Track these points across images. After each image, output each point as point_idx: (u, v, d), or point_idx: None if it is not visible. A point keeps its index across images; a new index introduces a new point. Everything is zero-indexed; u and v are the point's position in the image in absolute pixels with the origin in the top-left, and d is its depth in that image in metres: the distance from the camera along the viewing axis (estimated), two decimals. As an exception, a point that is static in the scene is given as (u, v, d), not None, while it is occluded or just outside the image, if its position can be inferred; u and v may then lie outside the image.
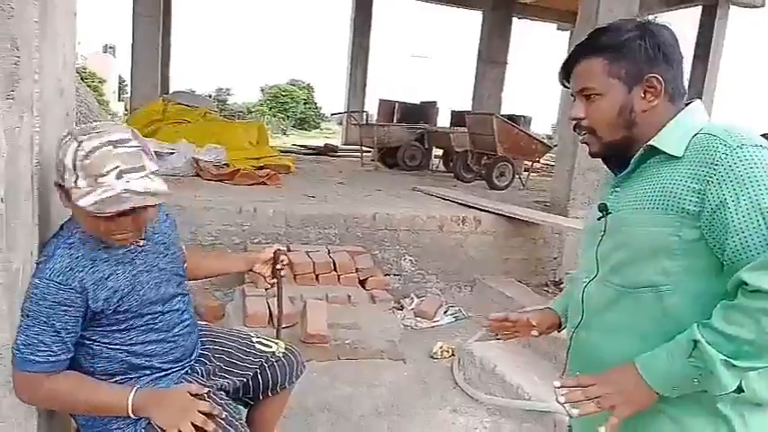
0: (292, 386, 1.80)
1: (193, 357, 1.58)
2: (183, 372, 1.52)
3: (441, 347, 3.50)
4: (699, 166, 0.99)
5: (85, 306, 1.30)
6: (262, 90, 34.02)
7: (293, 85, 34.03)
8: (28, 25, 1.21)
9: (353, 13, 14.12)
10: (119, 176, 1.21)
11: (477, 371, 3.14)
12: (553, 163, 11.19)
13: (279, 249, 1.83)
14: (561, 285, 4.97)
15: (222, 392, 1.55)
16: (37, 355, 1.26)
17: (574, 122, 1.16)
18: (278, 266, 1.82)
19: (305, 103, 33.47)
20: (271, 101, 32.41)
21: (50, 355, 1.28)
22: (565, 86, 1.18)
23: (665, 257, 1.01)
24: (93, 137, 1.23)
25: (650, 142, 1.07)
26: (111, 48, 34.65)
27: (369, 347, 3.37)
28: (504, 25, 11.32)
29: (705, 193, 0.97)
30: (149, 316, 1.43)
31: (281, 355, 1.74)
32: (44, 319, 1.26)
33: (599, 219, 1.15)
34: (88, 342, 1.37)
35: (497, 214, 4.84)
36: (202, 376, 1.55)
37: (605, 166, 1.21)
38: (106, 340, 1.38)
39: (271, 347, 1.74)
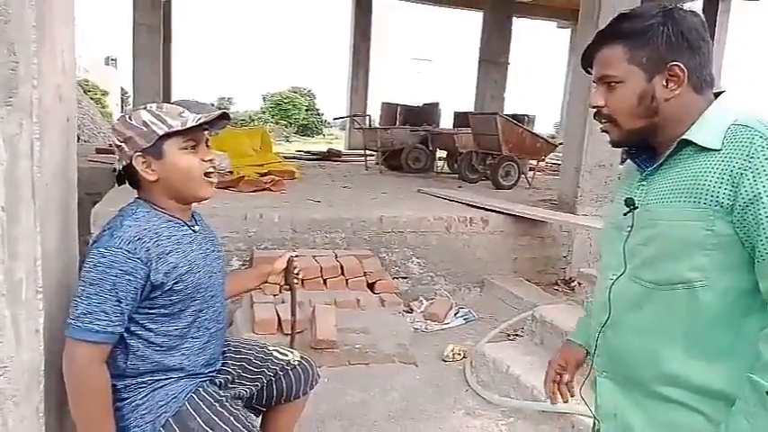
0: (306, 396, 1.78)
1: (218, 366, 1.57)
2: (206, 380, 1.51)
3: (452, 350, 3.45)
4: (734, 157, 0.95)
5: (146, 278, 1.33)
6: (264, 98, 34.08)
7: (295, 92, 34.08)
8: (25, 30, 1.18)
9: (353, 18, 14.14)
10: (190, 112, 1.43)
11: (491, 372, 3.09)
12: (558, 162, 11.15)
13: (291, 257, 1.81)
14: (572, 284, 4.92)
15: (238, 400, 1.54)
16: (96, 324, 1.28)
17: (594, 110, 1.12)
18: (293, 274, 1.80)
19: (307, 110, 33.51)
20: (273, 108, 32.47)
21: (108, 325, 1.30)
22: (587, 73, 1.15)
23: (699, 252, 0.97)
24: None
25: (684, 136, 1.03)
26: (113, 60, 34.78)
27: (379, 352, 3.33)
28: (504, 25, 11.30)
29: (738, 186, 0.93)
30: (199, 303, 1.44)
31: (296, 363, 1.73)
32: (108, 287, 1.29)
33: (625, 214, 1.11)
34: (133, 328, 1.37)
35: (504, 213, 4.79)
36: (221, 387, 1.55)
37: (630, 161, 1.17)
38: (152, 326, 1.39)
39: (287, 356, 1.74)
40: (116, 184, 1.50)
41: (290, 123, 31.21)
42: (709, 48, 1.06)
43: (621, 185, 1.20)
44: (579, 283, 4.65)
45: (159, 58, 9.42)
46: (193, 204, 1.52)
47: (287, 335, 3.21)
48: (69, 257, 1.54)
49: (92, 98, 20.92)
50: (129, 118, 1.41)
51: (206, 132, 1.48)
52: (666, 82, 1.04)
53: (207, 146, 1.48)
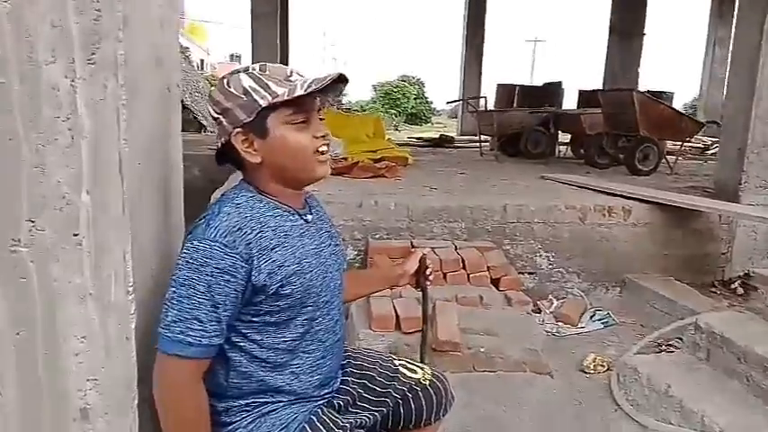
0: (439, 422, 1.45)
1: (335, 386, 1.31)
2: (323, 402, 1.25)
3: (594, 360, 2.98)
4: None
5: (247, 278, 1.09)
6: (374, 88, 34.33)
7: (404, 80, 33.95)
8: (111, -28, 0.96)
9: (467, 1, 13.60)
10: (300, 74, 1.16)
11: (645, 391, 2.59)
12: (699, 145, 9.88)
13: (424, 255, 1.50)
14: (732, 285, 4.17)
15: (361, 430, 1.27)
16: (189, 335, 1.05)
17: None
18: (425, 275, 1.51)
19: (416, 98, 33.26)
20: (383, 98, 32.61)
21: (203, 336, 1.06)
22: None
23: None
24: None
25: None
26: (237, 56, 37.22)
27: (507, 357, 2.94)
28: (638, -7, 10.14)
29: None
30: (311, 309, 1.18)
31: (426, 383, 1.41)
32: (203, 290, 1.06)
33: None
34: (234, 338, 1.14)
35: (650, 202, 4.15)
36: (339, 411, 1.27)
37: None
38: (257, 336, 1.14)
39: (416, 373, 1.43)
40: (218, 165, 1.26)
41: (399, 112, 31.15)
42: None
43: None
44: (750, 287, 3.89)
45: (277, 49, 9.60)
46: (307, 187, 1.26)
47: (405, 333, 2.94)
48: (170, 252, 1.34)
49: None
50: (228, 84, 1.15)
51: (318, 101, 1.19)
52: None
53: (320, 119, 1.20)
